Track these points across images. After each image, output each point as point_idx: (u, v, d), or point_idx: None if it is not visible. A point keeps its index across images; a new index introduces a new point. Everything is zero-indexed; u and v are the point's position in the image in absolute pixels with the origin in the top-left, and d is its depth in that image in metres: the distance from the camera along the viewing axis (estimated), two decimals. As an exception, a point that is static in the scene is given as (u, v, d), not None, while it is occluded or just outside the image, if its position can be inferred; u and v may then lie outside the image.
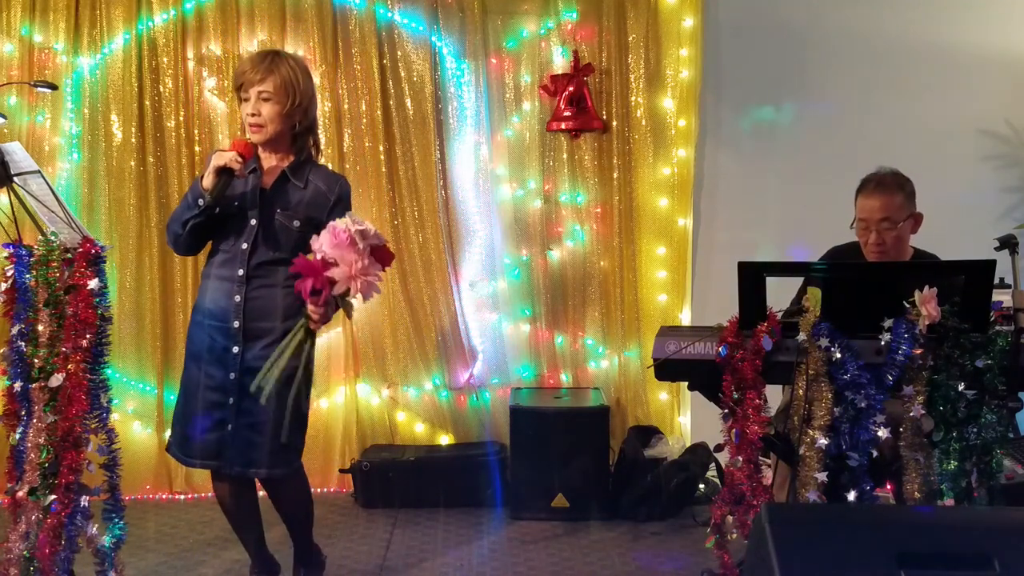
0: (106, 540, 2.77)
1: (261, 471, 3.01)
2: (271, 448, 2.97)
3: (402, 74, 4.50)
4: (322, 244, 2.66)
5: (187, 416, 3.02)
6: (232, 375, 2.97)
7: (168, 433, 3.18)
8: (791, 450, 2.60)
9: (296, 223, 2.97)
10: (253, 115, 2.94)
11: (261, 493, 3.18)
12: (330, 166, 4.39)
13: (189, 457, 3.04)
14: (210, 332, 3.00)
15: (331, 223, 2.69)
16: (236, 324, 2.97)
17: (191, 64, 4.44)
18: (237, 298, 2.97)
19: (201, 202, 2.88)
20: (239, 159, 2.84)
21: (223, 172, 2.85)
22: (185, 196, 2.97)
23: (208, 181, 2.86)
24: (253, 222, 2.97)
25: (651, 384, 4.60)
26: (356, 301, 2.77)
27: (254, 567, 3.26)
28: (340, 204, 3.04)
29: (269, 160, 3.04)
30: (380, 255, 2.73)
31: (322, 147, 3.18)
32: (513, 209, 4.60)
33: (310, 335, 2.80)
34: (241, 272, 2.97)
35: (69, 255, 2.72)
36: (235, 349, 2.97)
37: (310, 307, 2.75)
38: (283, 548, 3.37)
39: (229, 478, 3.07)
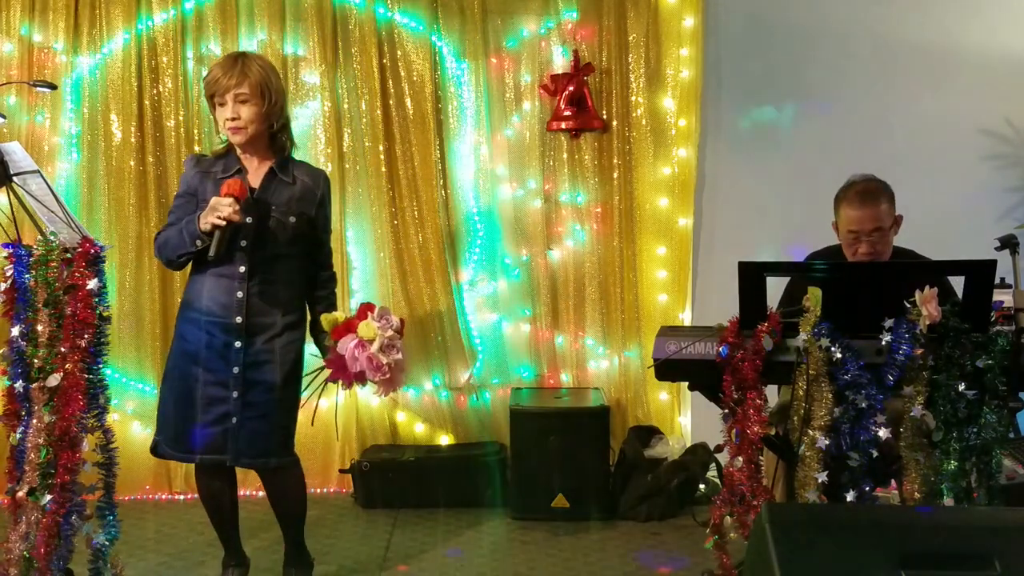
0: (101, 538, 2.77)
1: (272, 460, 3.08)
2: (279, 438, 3.08)
3: (402, 74, 4.49)
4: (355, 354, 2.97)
5: (183, 413, 3.04)
6: (236, 369, 3.01)
7: (153, 434, 3.17)
8: (790, 450, 2.59)
9: (292, 219, 3.05)
10: (233, 119, 2.99)
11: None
12: (330, 165, 4.43)
13: (190, 453, 3.06)
14: (208, 328, 3.03)
15: (353, 348, 2.96)
16: (239, 319, 3.02)
17: (191, 64, 4.43)
18: (240, 294, 3.02)
19: (199, 243, 2.93)
20: (235, 207, 2.87)
21: (224, 224, 2.88)
22: (179, 230, 2.99)
23: (206, 228, 2.88)
24: (249, 220, 2.99)
25: (651, 384, 4.59)
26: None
27: (230, 560, 3.29)
28: (325, 202, 3.17)
29: (251, 162, 3.11)
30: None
31: (296, 143, 3.23)
32: (513, 209, 4.60)
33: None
34: (243, 269, 3.02)
35: (68, 255, 2.72)
36: (237, 344, 3.02)
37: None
38: (281, 549, 3.37)
39: (222, 472, 3.12)
